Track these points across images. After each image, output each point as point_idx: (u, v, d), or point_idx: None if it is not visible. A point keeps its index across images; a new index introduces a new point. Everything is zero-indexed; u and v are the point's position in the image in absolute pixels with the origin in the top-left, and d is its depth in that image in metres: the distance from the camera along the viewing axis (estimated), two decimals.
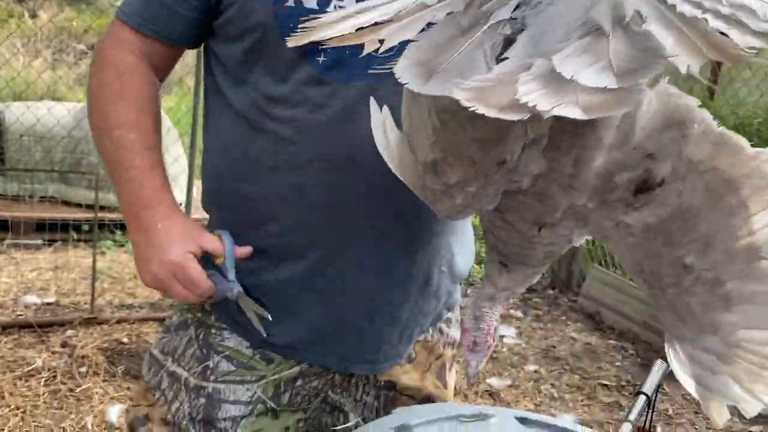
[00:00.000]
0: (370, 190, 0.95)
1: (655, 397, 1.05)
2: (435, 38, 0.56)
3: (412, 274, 1.02)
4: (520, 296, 4.04)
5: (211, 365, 1.02)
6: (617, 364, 3.29)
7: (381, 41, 0.63)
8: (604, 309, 3.84)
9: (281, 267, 0.99)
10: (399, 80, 0.56)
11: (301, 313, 1.01)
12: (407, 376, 1.11)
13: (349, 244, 0.98)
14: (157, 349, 1.08)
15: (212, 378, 1.02)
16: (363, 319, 1.01)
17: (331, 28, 0.66)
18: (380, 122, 0.77)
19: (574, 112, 0.43)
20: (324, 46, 0.83)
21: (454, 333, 1.15)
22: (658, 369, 1.06)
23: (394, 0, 0.63)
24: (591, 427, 2.62)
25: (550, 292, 4.07)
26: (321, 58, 0.92)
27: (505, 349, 3.33)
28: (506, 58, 0.52)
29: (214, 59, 1.00)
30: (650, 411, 1.07)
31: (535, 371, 3.12)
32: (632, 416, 0.95)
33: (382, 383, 1.09)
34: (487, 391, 2.84)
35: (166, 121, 3.46)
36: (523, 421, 0.96)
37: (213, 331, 1.04)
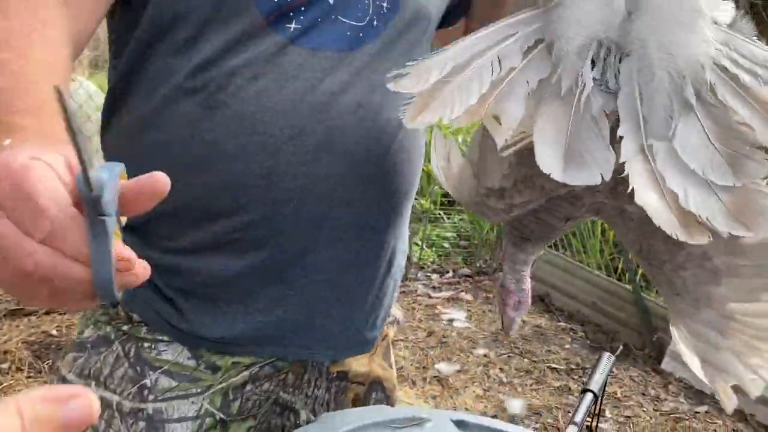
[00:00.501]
0: (347, 174, 0.86)
1: (603, 393, 0.98)
2: (546, 114, 0.56)
3: (380, 256, 0.96)
4: (471, 279, 3.99)
5: (149, 384, 0.89)
6: (566, 346, 3.28)
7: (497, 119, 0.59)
8: (553, 291, 3.83)
9: (243, 258, 0.88)
10: (546, 173, 0.54)
11: (265, 304, 0.91)
12: (357, 363, 1.05)
13: (321, 230, 0.89)
14: (72, 372, 0.92)
15: (151, 398, 0.89)
16: (330, 306, 0.94)
17: (444, 106, 0.60)
18: (445, 153, 0.79)
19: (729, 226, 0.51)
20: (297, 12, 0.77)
21: (395, 311, 1.11)
22: (605, 364, 0.99)
23: (475, 56, 0.60)
24: (539, 414, 2.60)
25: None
26: (292, 25, 0.82)
27: (454, 334, 3.28)
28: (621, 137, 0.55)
29: (148, 22, 0.83)
30: (597, 408, 1.00)
31: (485, 355, 3.08)
32: (578, 417, 0.87)
33: (335, 374, 1.03)
34: (435, 377, 2.78)
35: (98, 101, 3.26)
36: (459, 424, 0.89)
37: (146, 345, 0.91)
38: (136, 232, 0.87)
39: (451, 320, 3.46)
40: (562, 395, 2.79)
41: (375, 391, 1.08)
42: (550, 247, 3.90)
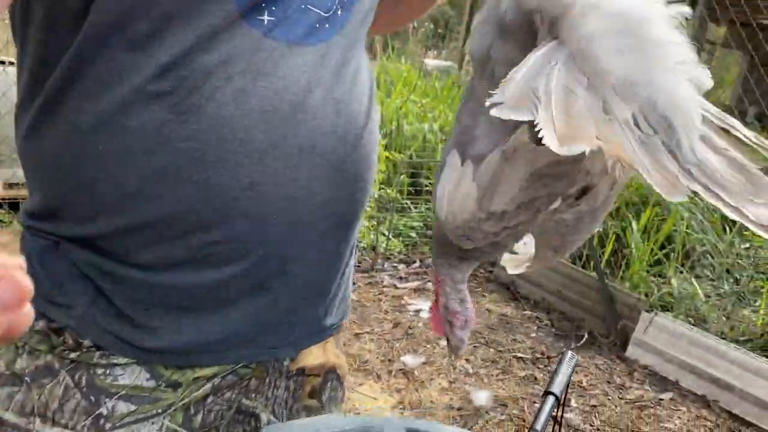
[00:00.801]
0: (328, 173, 0.82)
1: (565, 395, 0.93)
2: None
3: (346, 250, 0.94)
4: None
5: (105, 412, 0.82)
6: (532, 335, 3.26)
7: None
8: (518, 279, 3.82)
9: (220, 271, 0.82)
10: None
11: (239, 311, 0.85)
12: (312, 356, 1.01)
13: (303, 235, 0.85)
14: (11, 411, 0.83)
15: (108, 426, 0.82)
16: (300, 303, 0.90)
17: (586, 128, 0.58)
18: (457, 178, 0.79)
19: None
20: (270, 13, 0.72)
21: None
22: (566, 365, 0.95)
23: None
24: (505, 405, 2.58)
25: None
26: (265, 17, 0.75)
27: (420, 324, 3.24)
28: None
29: (97, 13, 0.72)
30: (560, 411, 0.95)
31: None
32: (539, 424, 0.82)
33: (294, 371, 0.99)
34: (401, 370, 2.74)
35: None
36: None
37: (99, 371, 0.83)
38: (93, 245, 0.79)
39: (417, 311, 3.42)
40: (528, 385, 2.77)
41: (330, 380, 1.06)
42: None
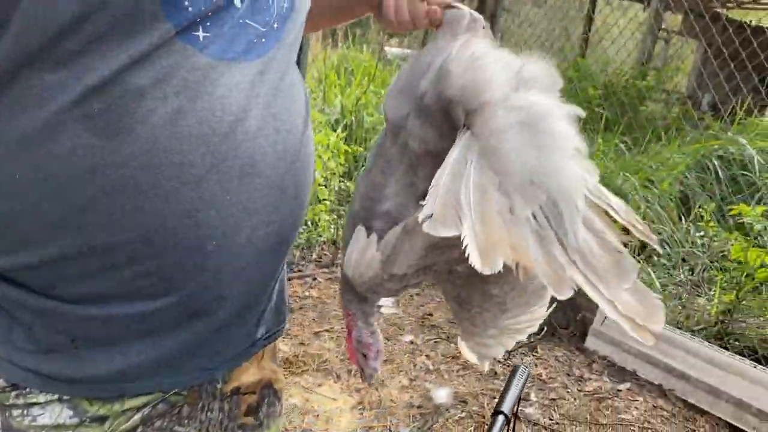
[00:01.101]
0: (269, 194, 0.79)
1: (516, 412, 0.91)
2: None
3: (282, 264, 0.93)
4: None
5: None
6: None
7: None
8: None
9: (155, 301, 0.77)
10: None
11: (172, 337, 0.81)
12: (248, 374, 1.00)
13: (243, 258, 0.81)
14: None
15: None
16: (232, 321, 0.86)
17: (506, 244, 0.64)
18: (364, 245, 0.86)
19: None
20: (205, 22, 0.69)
21: None
22: (518, 380, 0.92)
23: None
24: (465, 402, 2.57)
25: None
26: (201, 34, 0.70)
27: (381, 320, 3.21)
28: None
29: (18, 32, 0.65)
30: (512, 427, 0.93)
31: (411, 342, 3.03)
32: None
33: (228, 393, 0.97)
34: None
35: None
36: None
37: (16, 412, 0.78)
38: (13, 278, 0.74)
39: (378, 306, 3.39)
40: (488, 380, 2.77)
41: (267, 396, 1.04)
42: None
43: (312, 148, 0.91)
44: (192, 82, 0.70)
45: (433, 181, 0.66)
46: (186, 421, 0.89)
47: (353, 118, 4.91)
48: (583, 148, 0.70)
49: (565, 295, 0.62)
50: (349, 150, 4.28)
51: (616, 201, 0.73)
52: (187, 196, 0.72)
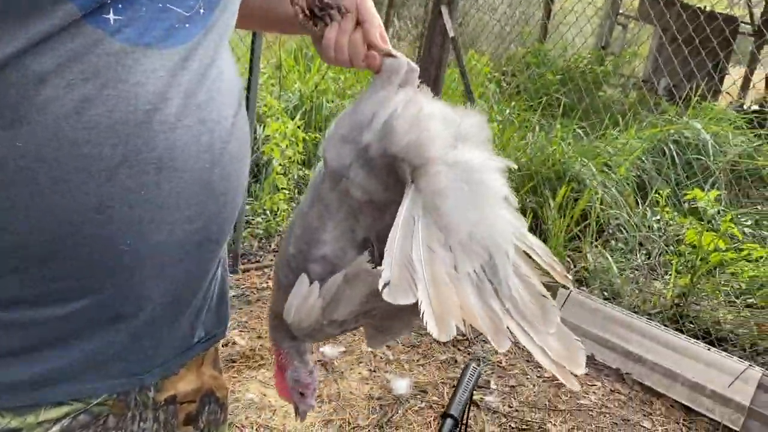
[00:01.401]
0: (190, 188, 0.74)
1: (467, 417, 0.88)
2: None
3: (213, 264, 0.88)
4: None
5: None
6: None
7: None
8: None
9: (66, 306, 0.72)
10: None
11: (83, 343, 0.76)
12: (184, 382, 0.94)
13: (162, 257, 0.76)
14: None
15: None
16: (160, 324, 0.81)
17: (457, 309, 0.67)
18: (306, 292, 0.86)
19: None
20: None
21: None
22: (468, 380, 0.90)
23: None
24: (425, 392, 2.56)
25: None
26: (112, 16, 0.65)
27: None
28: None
29: None
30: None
31: None
32: None
33: (162, 402, 0.91)
34: (319, 361, 2.67)
35: None
36: None
37: None
38: None
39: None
40: (449, 369, 2.76)
41: (208, 404, 0.99)
42: None
43: (247, 140, 0.86)
44: (102, 69, 0.65)
45: (387, 242, 0.69)
46: None
47: (312, 104, 4.84)
48: (512, 198, 0.76)
49: (504, 347, 0.65)
50: (308, 138, 4.21)
51: (537, 243, 0.78)
52: (96, 190, 0.67)
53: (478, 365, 0.94)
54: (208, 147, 0.75)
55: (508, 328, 0.66)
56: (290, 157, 3.85)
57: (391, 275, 0.66)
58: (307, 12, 0.86)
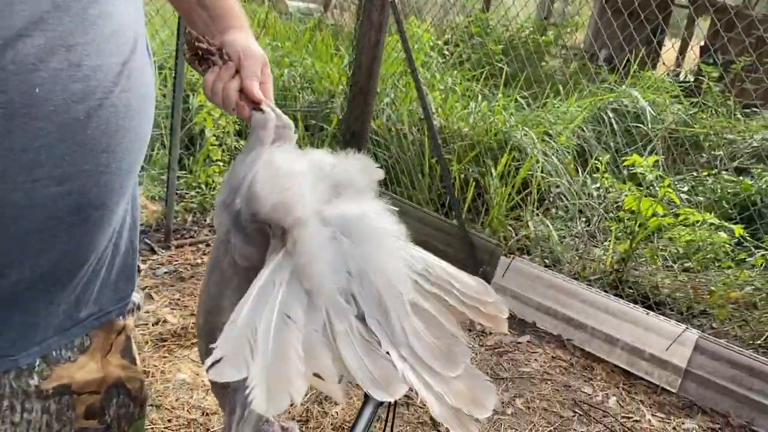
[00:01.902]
0: (55, 142, 0.66)
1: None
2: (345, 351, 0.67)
3: (100, 233, 0.78)
4: None
5: None
6: None
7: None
8: None
9: None
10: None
11: None
12: (84, 371, 0.86)
13: (26, 222, 0.68)
14: None
15: None
16: (31, 295, 0.74)
17: (287, 382, 0.61)
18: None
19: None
20: None
21: (135, 296, 0.95)
22: (367, 419, 0.82)
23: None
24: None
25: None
26: None
27: None
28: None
29: None
30: None
31: None
32: None
33: (51, 390, 0.82)
34: None
35: None
36: None
37: None
38: None
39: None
40: None
41: (116, 396, 0.91)
42: (384, 186, 3.78)
43: (148, 92, 0.77)
44: None
45: (232, 314, 0.65)
46: None
47: None
48: (402, 233, 0.73)
49: (397, 396, 0.62)
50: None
51: (463, 279, 0.73)
52: None
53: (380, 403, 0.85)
54: (82, 96, 0.65)
55: (404, 376, 0.64)
56: (224, 127, 3.69)
57: (225, 352, 0.61)
58: (193, 52, 0.90)
